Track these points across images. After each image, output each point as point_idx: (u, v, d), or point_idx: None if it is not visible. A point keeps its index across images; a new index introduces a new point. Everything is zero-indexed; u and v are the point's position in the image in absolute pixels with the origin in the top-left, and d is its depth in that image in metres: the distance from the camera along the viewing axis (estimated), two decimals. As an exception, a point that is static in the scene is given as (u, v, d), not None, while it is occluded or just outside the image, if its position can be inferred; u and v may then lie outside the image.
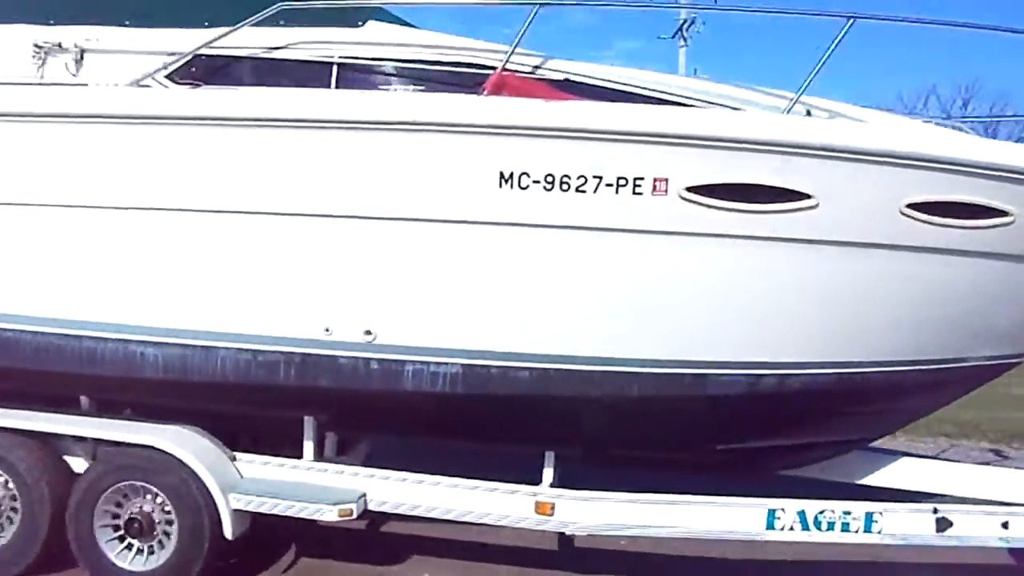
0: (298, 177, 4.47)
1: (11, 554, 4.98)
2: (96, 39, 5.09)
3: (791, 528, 4.85)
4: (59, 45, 5.06)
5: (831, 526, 4.85)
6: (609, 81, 4.90)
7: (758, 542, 5.00)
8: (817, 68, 4.41)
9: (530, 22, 4.51)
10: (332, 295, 4.62)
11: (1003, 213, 4.32)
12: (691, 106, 4.74)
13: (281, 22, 4.78)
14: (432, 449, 5.56)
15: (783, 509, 4.85)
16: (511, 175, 4.28)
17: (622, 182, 4.22)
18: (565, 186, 4.25)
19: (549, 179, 4.24)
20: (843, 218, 4.29)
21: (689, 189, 4.21)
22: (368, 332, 4.61)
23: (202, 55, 4.93)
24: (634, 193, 4.23)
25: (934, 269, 4.48)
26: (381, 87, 4.98)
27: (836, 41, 4.41)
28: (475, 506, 4.96)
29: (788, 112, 4.46)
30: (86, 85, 4.92)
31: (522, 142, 4.26)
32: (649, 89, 4.85)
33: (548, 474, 5.05)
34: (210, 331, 4.70)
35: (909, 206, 4.27)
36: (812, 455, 5.45)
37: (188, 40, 4.93)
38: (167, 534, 4.90)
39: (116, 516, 4.95)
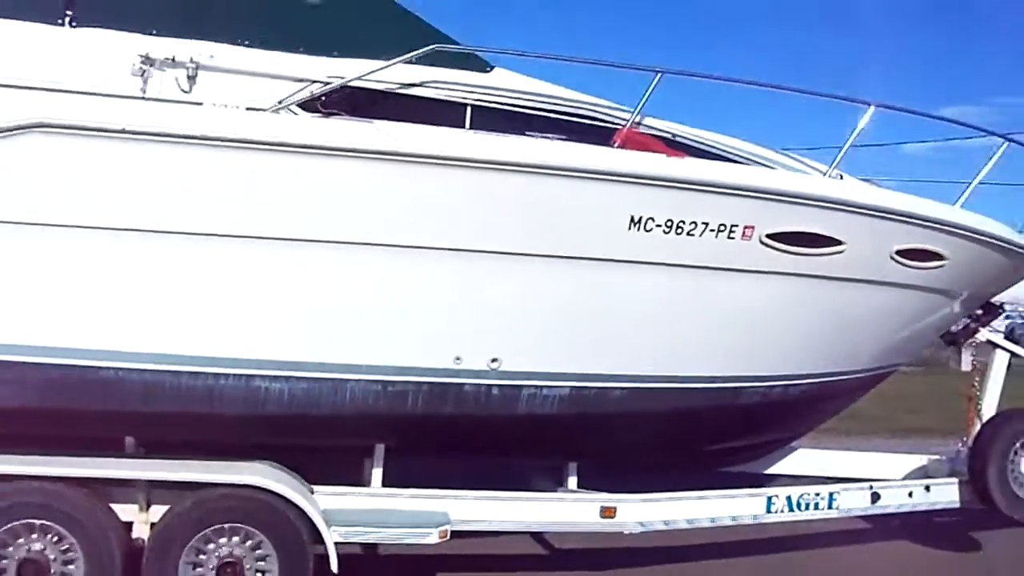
0: (440, 214, 4.70)
1: None
2: (211, 56, 4.82)
3: (782, 510, 6.11)
4: (172, 59, 4.76)
5: (807, 506, 6.22)
6: (701, 141, 5.80)
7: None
8: (844, 148, 5.67)
9: (653, 88, 5.16)
10: (464, 326, 4.94)
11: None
12: (755, 165, 5.81)
13: (413, 60, 4.95)
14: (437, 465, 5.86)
15: (776, 496, 6.11)
16: (640, 219, 4.96)
17: (722, 227, 5.11)
18: (679, 230, 5.03)
19: (668, 223, 4.99)
20: (865, 259, 5.60)
21: (768, 236, 5.23)
22: (494, 360, 5.00)
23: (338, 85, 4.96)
24: (729, 237, 5.15)
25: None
26: (510, 132, 5.12)
27: (859, 127, 5.70)
28: (547, 516, 5.56)
29: (826, 175, 5.67)
30: (200, 104, 4.74)
31: (651, 191, 4.98)
32: (730, 149, 5.91)
33: (572, 481, 5.90)
34: (341, 363, 4.78)
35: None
36: (759, 452, 6.88)
37: (319, 68, 4.96)
38: (264, 572, 4.70)
39: (198, 566, 4.60)
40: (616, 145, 5.17)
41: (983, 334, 7.45)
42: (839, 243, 5.44)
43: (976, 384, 7.51)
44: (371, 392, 4.90)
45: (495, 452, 5.78)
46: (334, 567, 4.63)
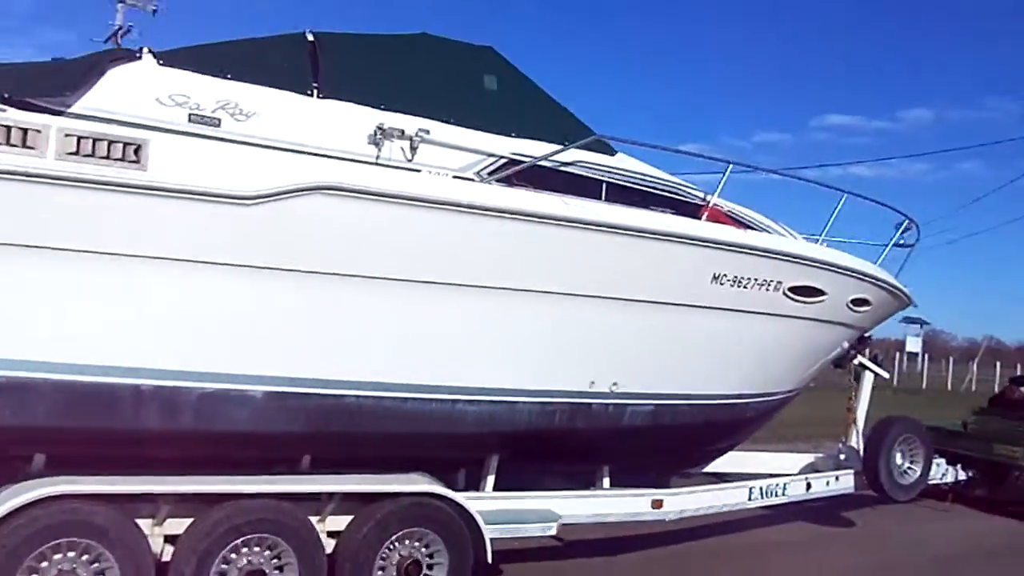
0: (600, 270, 6.02)
1: None
2: (428, 131, 5.77)
3: (758, 498, 7.97)
4: (402, 132, 5.68)
5: (772, 493, 8.11)
6: (742, 216, 7.54)
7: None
8: (828, 223, 7.87)
9: (725, 179, 6.91)
10: (598, 357, 6.32)
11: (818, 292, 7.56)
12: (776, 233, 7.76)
13: (565, 142, 6.28)
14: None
15: (754, 487, 7.96)
16: (719, 275, 6.67)
17: (766, 282, 6.98)
18: (740, 284, 6.80)
19: (735, 279, 6.74)
20: (835, 306, 7.80)
21: (790, 289, 7.19)
22: (615, 384, 6.42)
23: (514, 160, 6.08)
24: (766, 289, 7.00)
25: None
26: (631, 205, 6.44)
27: (837, 208, 7.82)
28: (615, 509, 6.97)
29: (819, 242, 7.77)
30: (419, 171, 5.65)
31: (728, 254, 6.66)
32: (755, 220, 7.66)
33: (606, 482, 7.20)
34: (517, 388, 5.99)
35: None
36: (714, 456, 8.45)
37: (504, 145, 6.13)
38: (432, 567, 5.52)
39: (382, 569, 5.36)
40: (704, 218, 6.87)
41: (858, 359, 9.59)
42: (824, 293, 7.57)
43: (851, 398, 9.83)
44: (536, 412, 6.15)
45: (597, 457, 7.14)
46: (490, 559, 5.64)
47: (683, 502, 7.27)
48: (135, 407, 4.76)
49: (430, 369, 5.63)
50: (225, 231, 4.78)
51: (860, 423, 9.68)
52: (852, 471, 9.00)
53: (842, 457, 9.41)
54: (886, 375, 11.03)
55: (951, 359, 47.41)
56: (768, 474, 8.56)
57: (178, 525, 4.86)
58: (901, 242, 8.69)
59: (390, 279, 5.28)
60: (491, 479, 6.38)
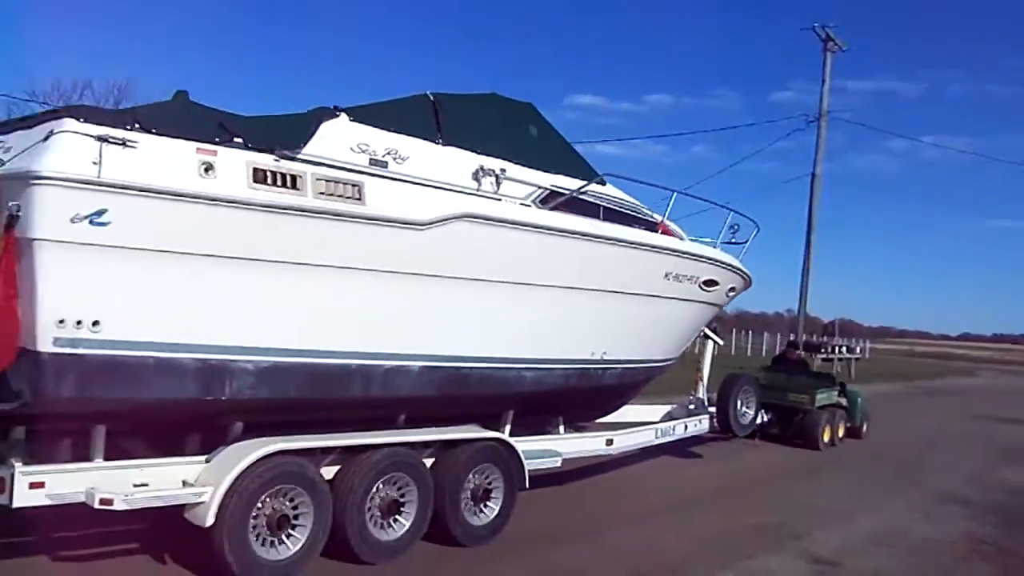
0: (609, 270, 8.16)
1: (414, 534, 6.73)
2: (505, 170, 7.52)
3: (663, 435, 10.52)
4: (491, 171, 7.42)
5: (667, 433, 10.66)
6: (674, 229, 9.68)
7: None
8: (721, 232, 10.54)
9: (672, 203, 9.26)
10: (597, 333, 8.41)
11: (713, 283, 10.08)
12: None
13: (583, 178, 8.27)
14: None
15: (662, 429, 10.57)
16: (668, 273, 9.07)
17: (692, 277, 9.53)
18: (679, 279, 9.24)
19: (676, 275, 9.19)
20: (719, 292, 10.41)
21: (703, 281, 9.80)
22: (604, 353, 8.57)
23: (557, 191, 7.95)
24: (691, 282, 9.55)
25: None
26: (618, 223, 8.46)
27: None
28: (584, 447, 9.16)
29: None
30: (500, 199, 7.36)
31: (674, 258, 9.11)
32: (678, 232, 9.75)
33: (561, 429, 9.24)
34: (554, 358, 8.02)
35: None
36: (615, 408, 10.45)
37: (545, 179, 7.93)
38: (490, 493, 7.41)
39: (467, 492, 7.23)
40: (660, 232, 9.20)
41: (705, 330, 12.22)
42: (717, 283, 10.26)
43: (699, 361, 13.03)
44: (560, 375, 8.16)
45: (576, 409, 9.40)
46: (527, 485, 7.68)
47: (623, 441, 9.64)
48: (347, 381, 6.28)
49: (512, 346, 7.52)
50: (407, 248, 6.29)
51: (705, 379, 12.82)
52: (708, 416, 11.87)
53: (691, 407, 12.13)
54: (721, 342, 14.92)
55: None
56: (646, 422, 10.72)
57: (329, 472, 6.35)
58: (735, 239, 10.82)
59: (496, 282, 7.09)
60: (508, 428, 8.11)
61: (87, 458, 5.48)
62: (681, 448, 12.27)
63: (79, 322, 4.92)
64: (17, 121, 5.70)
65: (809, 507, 9.83)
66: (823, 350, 17.61)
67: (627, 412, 10.85)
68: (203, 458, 5.85)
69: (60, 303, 4.86)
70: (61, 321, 4.87)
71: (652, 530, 8.29)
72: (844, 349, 17.62)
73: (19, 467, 5.11)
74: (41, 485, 5.15)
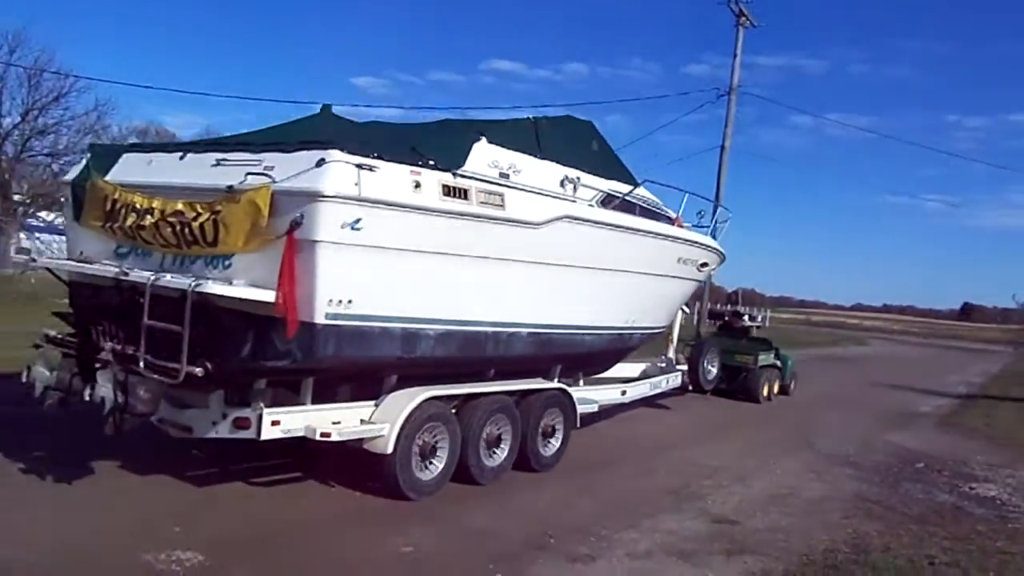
0: (648, 256, 10.52)
1: (508, 462, 8.64)
2: (580, 177, 9.36)
3: (649, 389, 12.87)
4: (572, 179, 9.23)
5: (656, 387, 13.12)
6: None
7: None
8: (714, 221, 13.68)
9: (685, 202, 11.77)
10: (632, 305, 10.66)
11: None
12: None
13: (629, 183, 10.45)
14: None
15: (650, 382, 12.97)
16: (681, 258, 11.41)
17: (694, 261, 12.00)
18: (686, 263, 11.66)
19: (684, 259, 11.57)
20: (707, 271, 13.13)
21: (700, 264, 12.33)
22: (634, 321, 10.86)
23: (612, 195, 9.98)
24: (693, 265, 12.05)
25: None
26: (649, 218, 10.65)
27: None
28: (609, 397, 11.49)
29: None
30: (575, 201, 9.11)
31: (686, 246, 11.49)
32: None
33: (581, 382, 11.18)
34: (608, 325, 10.29)
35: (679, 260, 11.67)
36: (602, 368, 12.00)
37: (604, 184, 9.89)
38: (556, 431, 9.41)
39: (540, 428, 9.14)
40: (676, 225, 11.46)
41: None
42: (708, 264, 12.78)
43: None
44: (592, 339, 10.05)
45: (604, 364, 11.70)
46: (578, 424, 9.73)
47: (632, 392, 12.15)
48: (485, 344, 8.11)
49: (581, 316, 9.52)
50: (527, 242, 8.01)
51: (675, 343, 15.22)
52: (680, 373, 14.37)
53: (662, 365, 14.38)
54: (687, 311, 18.83)
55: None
56: (629, 378, 12.99)
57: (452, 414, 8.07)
58: (700, 223, 13.02)
59: (578, 267, 8.96)
60: (556, 381, 9.78)
61: (302, 403, 7.13)
62: (656, 401, 14.39)
63: (340, 301, 6.45)
64: (267, 144, 6.83)
65: (715, 468, 10.21)
66: (725, 318, 18.77)
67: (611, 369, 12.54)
68: (372, 402, 7.48)
69: (331, 287, 6.36)
70: (330, 300, 6.39)
71: (564, 491, 8.48)
72: (747, 318, 18.59)
73: (265, 409, 6.67)
74: (278, 423, 6.72)
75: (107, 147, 8.48)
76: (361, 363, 6.99)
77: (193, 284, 6.04)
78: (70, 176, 7.96)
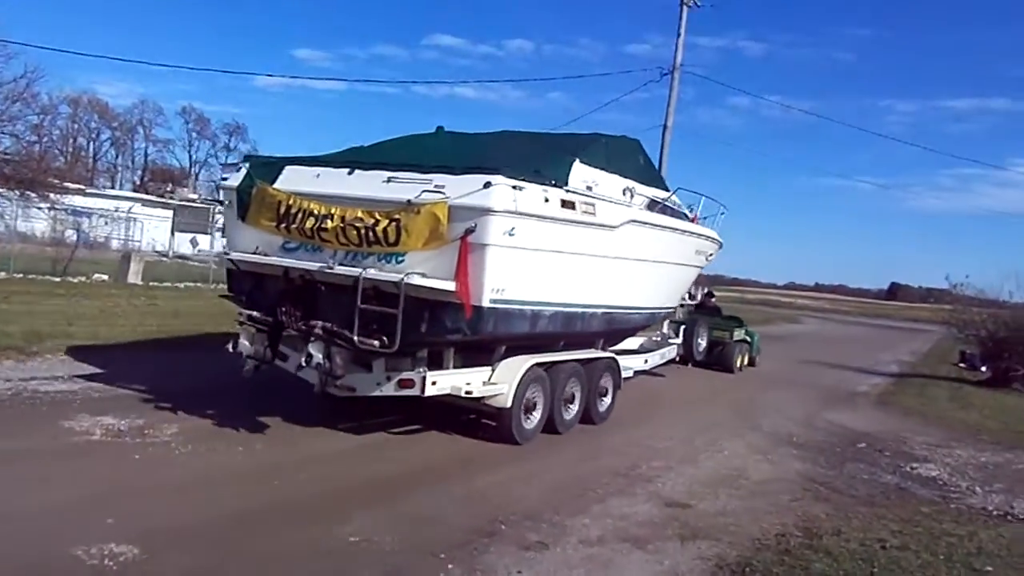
0: (670, 248, 12.29)
1: (576, 416, 10.60)
2: (634, 187, 11.40)
3: (661, 359, 14.98)
4: (628, 189, 11.25)
5: (662, 357, 15.11)
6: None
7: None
8: (718, 222, 15.38)
9: (703, 203, 14.45)
10: (662, 290, 12.88)
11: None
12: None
13: (667, 189, 13.11)
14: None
15: (659, 354, 14.93)
16: (698, 250, 13.92)
17: (703, 252, 14.30)
18: (700, 254, 14.11)
19: (699, 251, 14.04)
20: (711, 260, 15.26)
21: (708, 254, 14.76)
22: (660, 303, 13.22)
23: (655, 200, 12.07)
24: (703, 255, 14.37)
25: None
26: (677, 218, 12.77)
27: (720, 218, 15.62)
28: (638, 364, 13.76)
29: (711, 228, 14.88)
30: (630, 206, 10.97)
31: (701, 239, 13.92)
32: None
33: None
34: (646, 306, 12.41)
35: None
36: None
37: (648, 192, 11.86)
38: (608, 391, 11.45)
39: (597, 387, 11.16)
40: (694, 222, 13.69)
41: None
42: (712, 254, 14.79)
43: None
44: (637, 317, 12.36)
45: (623, 338, 13.52)
46: (621, 386, 11.81)
47: (651, 361, 14.39)
48: (579, 322, 10.31)
49: (635, 299, 11.76)
50: (608, 241, 9.98)
51: (670, 319, 16.97)
52: (676, 346, 16.15)
53: (657, 339, 16.01)
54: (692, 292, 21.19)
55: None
56: (634, 349, 14.82)
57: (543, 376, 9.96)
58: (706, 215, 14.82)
59: (639, 260, 11.11)
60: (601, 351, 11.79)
61: (446, 367, 9.01)
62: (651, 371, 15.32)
63: (498, 290, 8.29)
64: (435, 166, 8.33)
65: (665, 449, 10.11)
66: (700, 299, 20.53)
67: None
68: (488, 368, 9.28)
69: (493, 279, 8.18)
70: (493, 289, 8.21)
71: (513, 475, 8.26)
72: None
73: (427, 372, 8.51)
74: (435, 383, 8.50)
75: (265, 159, 9.73)
76: (504, 337, 9.08)
77: (404, 277, 7.85)
78: (233, 183, 9.29)
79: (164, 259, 36.92)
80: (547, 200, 8.62)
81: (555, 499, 7.53)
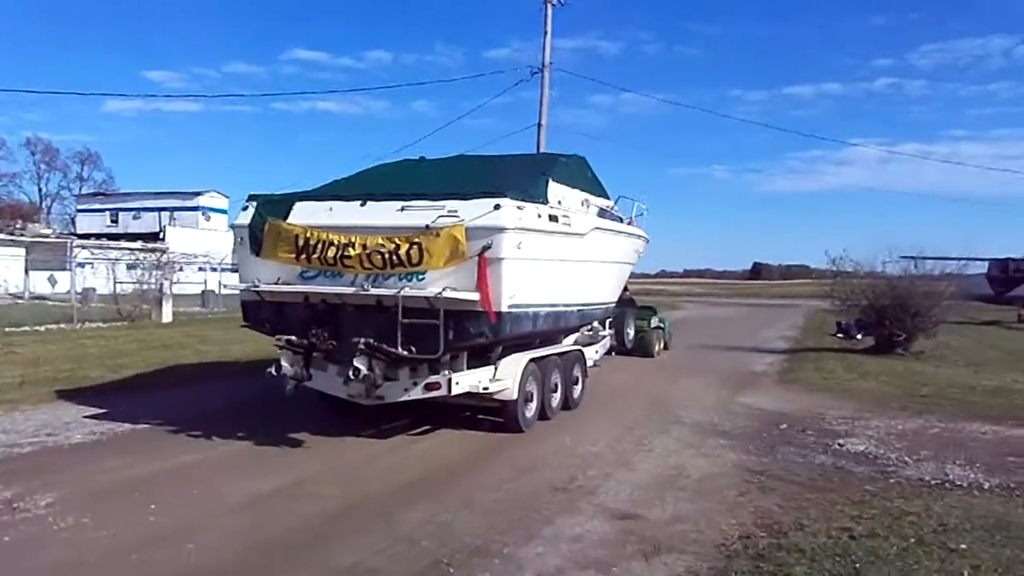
0: (616, 250, 13.93)
1: (560, 403, 12.07)
2: (589, 199, 13.10)
3: (601, 351, 15.71)
4: (584, 200, 12.84)
5: (603, 349, 15.96)
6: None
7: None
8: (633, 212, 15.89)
9: (636, 208, 15.67)
10: (612, 287, 14.44)
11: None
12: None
13: (615, 200, 14.80)
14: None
15: (596, 350, 15.08)
16: (635, 248, 15.42)
17: (639, 251, 15.88)
18: (636, 252, 15.69)
19: (637, 251, 15.63)
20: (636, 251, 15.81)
21: (639, 251, 15.97)
22: (610, 299, 14.61)
23: (603, 208, 13.67)
24: (638, 252, 15.83)
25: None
26: (619, 221, 14.33)
27: (640, 208, 16.30)
28: (597, 355, 15.35)
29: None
30: (589, 216, 12.62)
31: (638, 239, 15.41)
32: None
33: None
34: (603, 302, 13.98)
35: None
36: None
37: (599, 202, 13.66)
38: (579, 380, 12.80)
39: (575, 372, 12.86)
40: (630, 224, 15.00)
41: None
42: (641, 251, 16.07)
43: None
44: (598, 312, 13.95)
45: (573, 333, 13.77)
46: (587, 373, 13.42)
47: (598, 352, 15.23)
48: (563, 320, 11.88)
49: (597, 296, 13.33)
50: (579, 247, 11.49)
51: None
52: (609, 336, 16.40)
53: (589, 332, 14.89)
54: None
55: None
56: (586, 343, 14.44)
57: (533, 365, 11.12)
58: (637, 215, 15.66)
59: (599, 261, 12.75)
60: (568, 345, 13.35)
61: (462, 368, 9.97)
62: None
63: (512, 296, 9.40)
64: (446, 193, 9.41)
65: (594, 455, 9.52)
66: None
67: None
68: (491, 366, 10.23)
69: (509, 288, 9.29)
70: (509, 296, 9.33)
71: (447, 504, 7.42)
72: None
73: (452, 374, 9.63)
74: (458, 383, 9.63)
75: (270, 196, 10.33)
76: (515, 337, 10.22)
77: (440, 292, 8.93)
78: (243, 220, 10.12)
79: (19, 301, 33.88)
80: (539, 216, 10.03)
81: (499, 525, 6.78)
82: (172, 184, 72.76)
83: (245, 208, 10.26)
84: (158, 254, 36.73)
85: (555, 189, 11.39)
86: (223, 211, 50.31)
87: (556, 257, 10.58)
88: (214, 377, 15.50)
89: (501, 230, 9.02)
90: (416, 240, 9.00)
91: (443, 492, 7.86)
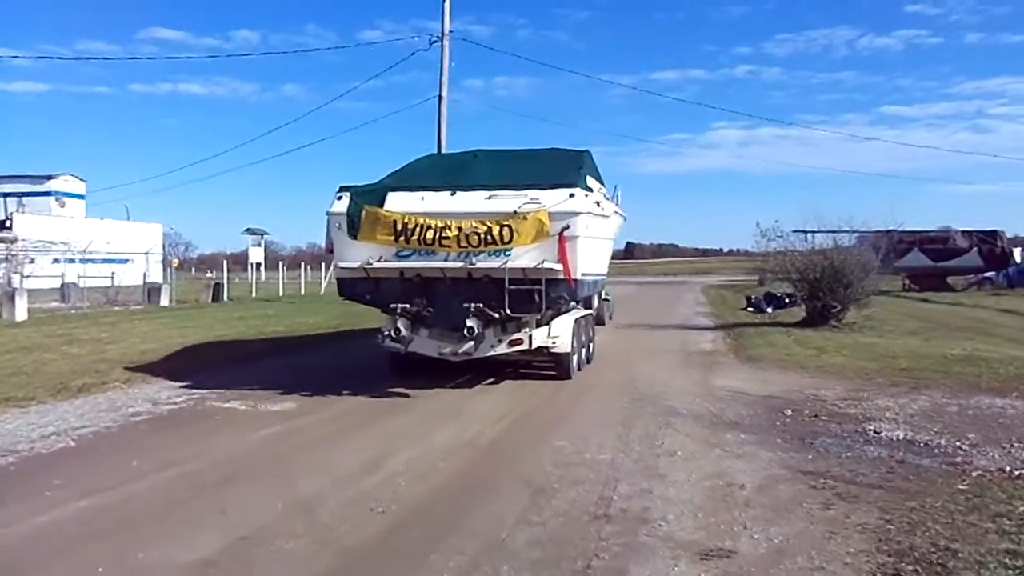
0: (603, 227, 13.96)
1: (587, 356, 14.84)
2: (600, 185, 14.70)
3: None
4: (598, 186, 14.17)
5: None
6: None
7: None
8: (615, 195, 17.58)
9: (617, 192, 17.32)
10: (606, 260, 15.74)
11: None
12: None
13: (606, 185, 16.27)
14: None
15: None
16: (620, 226, 17.17)
17: (620, 227, 17.63)
18: (620, 228, 17.58)
19: (620, 228, 17.44)
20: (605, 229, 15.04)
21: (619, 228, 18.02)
22: (605, 271, 15.97)
23: (605, 195, 15.27)
24: (617, 230, 17.88)
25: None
26: (611, 203, 15.93)
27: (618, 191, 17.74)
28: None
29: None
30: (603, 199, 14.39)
31: (621, 218, 17.19)
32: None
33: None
34: (603, 273, 15.69)
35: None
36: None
37: (598, 187, 14.45)
38: (592, 339, 15.61)
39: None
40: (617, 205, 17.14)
41: None
42: (620, 228, 17.41)
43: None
44: (602, 281, 16.21)
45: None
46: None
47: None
48: (594, 287, 14.81)
49: (604, 267, 15.08)
50: (605, 227, 13.92)
51: None
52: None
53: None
54: None
55: (282, 265, 56.06)
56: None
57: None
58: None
59: (607, 239, 14.75)
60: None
61: (534, 328, 12.01)
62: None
63: (581, 267, 11.48)
64: (527, 184, 11.54)
65: (606, 466, 7.68)
66: None
67: None
68: (547, 326, 12.34)
69: (581, 260, 11.41)
70: (581, 266, 11.45)
71: (483, 544, 5.38)
72: None
73: (534, 331, 11.92)
74: (535, 339, 11.92)
75: (363, 187, 12.03)
76: (581, 300, 13.55)
77: (538, 264, 11.02)
78: (338, 209, 11.77)
79: None
80: (595, 203, 12.29)
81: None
82: (20, 167, 65.92)
83: (340, 198, 11.82)
84: (5, 244, 32.49)
85: (588, 180, 13.00)
86: (81, 196, 45.14)
87: (599, 236, 12.97)
88: (96, 385, 12.67)
89: (576, 214, 11.21)
90: (506, 223, 10.99)
91: (477, 539, 5.81)
